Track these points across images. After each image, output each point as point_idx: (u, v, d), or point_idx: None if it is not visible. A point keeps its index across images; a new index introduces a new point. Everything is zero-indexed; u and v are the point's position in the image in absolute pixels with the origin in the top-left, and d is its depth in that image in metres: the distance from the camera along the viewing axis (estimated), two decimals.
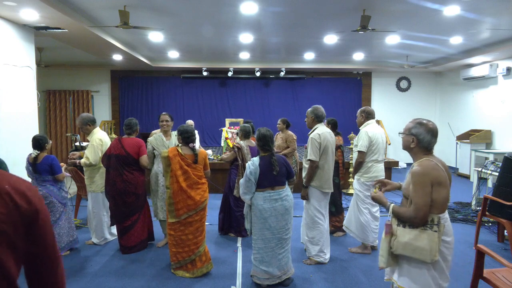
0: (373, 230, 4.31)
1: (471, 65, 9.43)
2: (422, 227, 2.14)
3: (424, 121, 2.30)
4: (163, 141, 4.45)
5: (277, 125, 6.17)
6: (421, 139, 2.24)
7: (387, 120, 11.19)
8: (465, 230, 5.23)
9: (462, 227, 5.36)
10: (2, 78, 5.06)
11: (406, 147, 2.33)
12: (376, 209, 4.34)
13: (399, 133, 2.45)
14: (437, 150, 9.46)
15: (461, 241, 4.78)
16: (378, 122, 10.71)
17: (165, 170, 3.65)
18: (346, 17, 5.71)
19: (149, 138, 4.52)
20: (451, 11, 5.30)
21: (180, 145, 3.76)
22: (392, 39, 7.23)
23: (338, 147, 5.14)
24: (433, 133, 2.27)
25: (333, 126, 5.29)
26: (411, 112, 11.58)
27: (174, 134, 4.46)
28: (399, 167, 10.63)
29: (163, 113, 4.61)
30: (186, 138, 3.71)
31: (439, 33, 6.72)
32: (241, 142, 4.83)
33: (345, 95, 11.53)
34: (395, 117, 11.52)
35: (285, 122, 6.14)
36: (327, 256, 4.09)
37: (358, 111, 4.48)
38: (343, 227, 4.60)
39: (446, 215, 2.23)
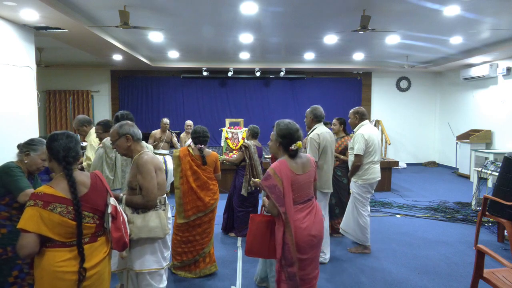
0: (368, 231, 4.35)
1: (471, 65, 9.42)
2: (154, 209, 2.52)
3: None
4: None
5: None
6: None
7: (387, 120, 11.18)
8: (465, 230, 5.22)
9: (462, 227, 5.35)
10: (2, 78, 5.06)
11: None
12: (368, 209, 4.37)
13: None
14: (437, 150, 9.47)
15: (461, 241, 4.78)
16: (378, 122, 10.74)
17: (175, 170, 3.65)
18: (346, 17, 5.71)
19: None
20: (451, 11, 5.30)
21: (192, 145, 3.76)
22: (392, 39, 7.23)
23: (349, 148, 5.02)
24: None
25: (345, 125, 5.25)
26: (411, 112, 11.58)
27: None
28: (399, 167, 10.63)
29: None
30: (194, 138, 3.71)
31: (439, 33, 6.72)
32: (249, 142, 4.86)
33: (345, 95, 11.52)
34: (395, 117, 11.51)
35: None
36: (327, 256, 4.09)
37: (351, 112, 4.42)
38: (340, 230, 4.54)
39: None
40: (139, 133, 2.60)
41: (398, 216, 5.95)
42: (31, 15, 4.93)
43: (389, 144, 9.86)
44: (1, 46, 5.06)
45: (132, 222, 2.46)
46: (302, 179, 2.50)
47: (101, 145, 3.59)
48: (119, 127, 2.54)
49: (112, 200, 2.06)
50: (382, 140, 10.12)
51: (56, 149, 1.93)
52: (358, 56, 9.29)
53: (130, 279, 2.66)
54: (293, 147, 2.50)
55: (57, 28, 5.68)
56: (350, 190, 4.43)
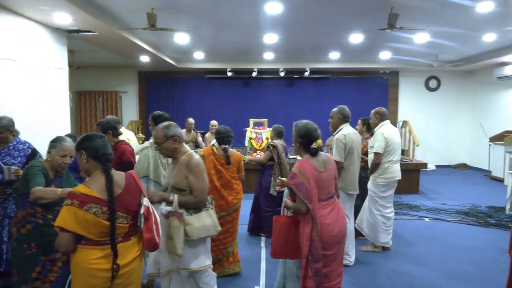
0: (384, 231, 4.29)
1: (505, 64, 9.03)
2: (204, 208, 2.58)
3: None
4: None
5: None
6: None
7: (415, 121, 10.86)
8: (498, 235, 5.01)
9: (495, 232, 5.14)
10: (36, 80, 5.28)
11: None
12: (389, 210, 4.31)
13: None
14: (468, 151, 9.13)
15: (493, 246, 4.59)
16: (405, 122, 10.47)
17: None
18: (372, 16, 5.60)
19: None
20: (484, 7, 5.10)
21: (216, 144, 3.81)
22: (421, 37, 7.02)
23: None
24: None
25: (368, 126, 5.20)
26: (440, 112, 11.22)
27: None
28: (428, 169, 10.31)
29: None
30: (218, 139, 3.76)
31: (471, 30, 6.48)
32: (275, 141, 4.87)
33: (371, 95, 11.28)
34: (423, 117, 11.19)
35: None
36: (352, 258, 4.02)
37: (372, 112, 4.51)
38: (355, 226, 4.51)
39: None
40: (182, 134, 2.64)
41: (426, 219, 5.78)
42: (64, 19, 5.13)
43: (417, 145, 9.59)
44: (36, 49, 5.28)
45: (190, 224, 2.47)
46: (324, 176, 2.60)
47: (148, 144, 3.29)
48: (166, 129, 2.51)
49: (145, 201, 2.09)
50: (410, 141, 9.86)
51: (93, 147, 2.01)
52: (385, 55, 9.10)
53: (178, 279, 2.62)
54: (314, 145, 2.59)
55: (88, 31, 5.88)
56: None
